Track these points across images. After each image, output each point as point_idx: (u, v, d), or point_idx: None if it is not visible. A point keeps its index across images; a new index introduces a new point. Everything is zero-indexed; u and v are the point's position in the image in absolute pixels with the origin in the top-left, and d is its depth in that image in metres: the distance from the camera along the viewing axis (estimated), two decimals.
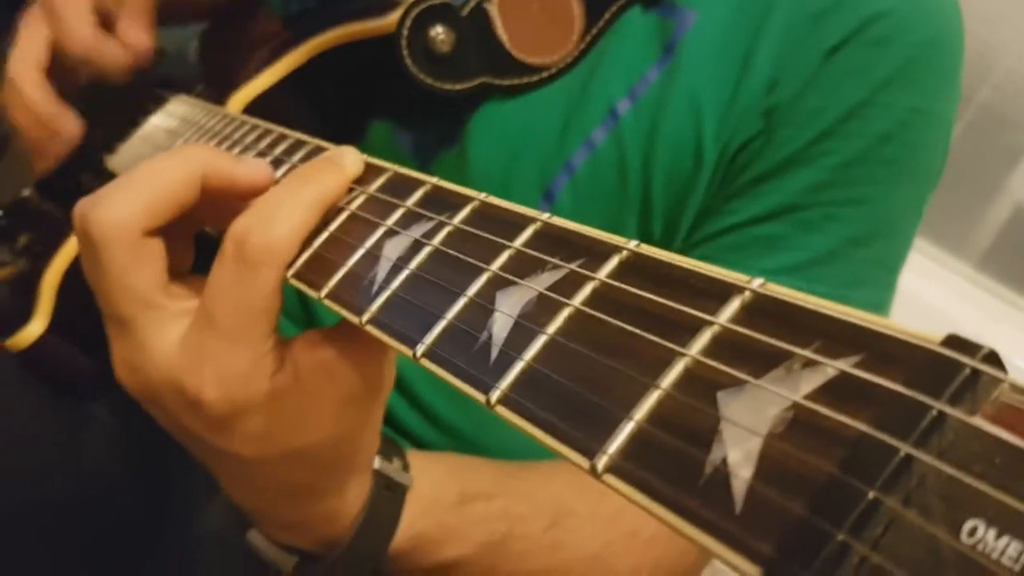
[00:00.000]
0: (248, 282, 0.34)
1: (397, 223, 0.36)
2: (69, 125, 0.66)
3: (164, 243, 0.37)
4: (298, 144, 0.46)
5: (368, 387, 0.38)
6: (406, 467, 0.47)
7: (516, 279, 0.29)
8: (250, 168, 0.39)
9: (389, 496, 0.45)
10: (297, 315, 0.62)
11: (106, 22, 0.66)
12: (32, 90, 0.64)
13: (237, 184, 0.39)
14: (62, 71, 0.65)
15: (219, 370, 0.35)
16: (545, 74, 0.56)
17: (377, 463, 0.45)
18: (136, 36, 0.63)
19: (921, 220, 0.58)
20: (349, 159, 0.39)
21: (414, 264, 0.33)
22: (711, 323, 0.24)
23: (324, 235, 0.38)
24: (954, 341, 0.20)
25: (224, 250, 0.35)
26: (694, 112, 0.54)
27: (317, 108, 0.64)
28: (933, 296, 1.21)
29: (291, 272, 0.38)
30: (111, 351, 0.39)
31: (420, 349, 0.30)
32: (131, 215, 0.36)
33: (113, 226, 0.36)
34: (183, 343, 0.36)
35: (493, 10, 0.56)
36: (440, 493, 0.49)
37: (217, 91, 0.65)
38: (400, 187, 0.38)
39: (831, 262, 0.53)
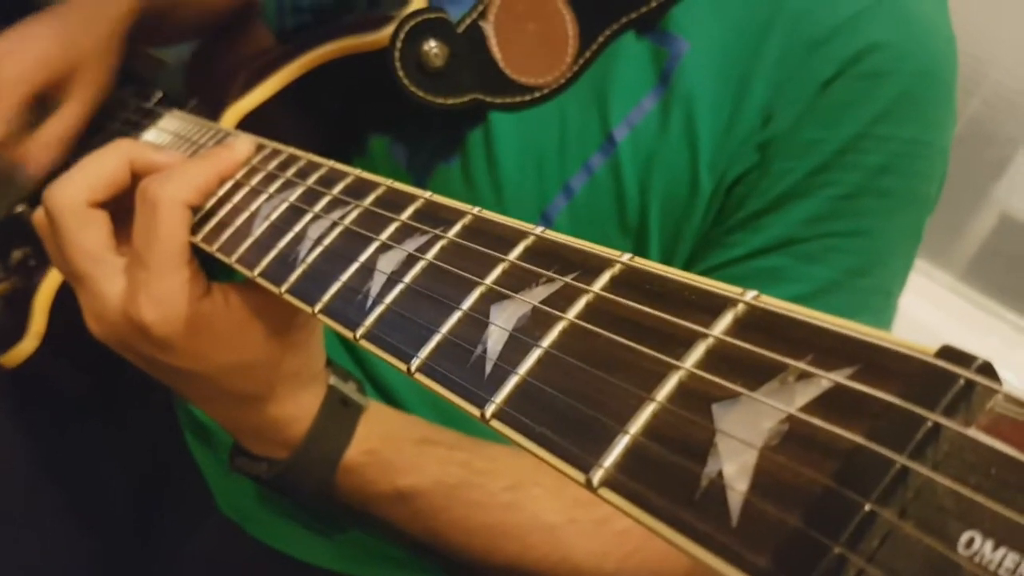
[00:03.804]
0: (153, 220, 0.44)
1: (391, 237, 0.36)
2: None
3: (109, 215, 0.48)
4: (292, 159, 0.46)
5: (295, 321, 0.47)
6: (361, 391, 0.54)
7: (510, 293, 0.29)
8: (166, 154, 0.50)
9: (343, 409, 0.52)
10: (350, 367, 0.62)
11: (42, 105, 0.67)
12: None
13: (157, 166, 0.49)
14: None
15: (151, 295, 0.44)
16: (538, 94, 0.56)
17: (332, 380, 0.52)
18: (38, 157, 0.68)
19: (920, 242, 0.58)
20: (240, 143, 0.49)
21: (408, 278, 0.33)
22: (705, 336, 0.24)
23: (318, 249, 0.38)
24: (948, 352, 0.20)
25: (136, 203, 0.45)
26: (690, 142, 0.54)
27: (313, 122, 0.64)
28: (918, 307, 1.21)
29: (285, 287, 0.38)
30: (86, 315, 0.47)
31: (415, 364, 0.30)
32: (76, 190, 0.47)
33: (63, 198, 0.47)
34: (126, 284, 0.45)
35: (488, 28, 0.56)
36: (403, 429, 0.55)
37: (211, 106, 0.65)
38: (394, 202, 0.38)
39: (832, 293, 0.53)
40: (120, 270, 0.46)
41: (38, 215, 0.49)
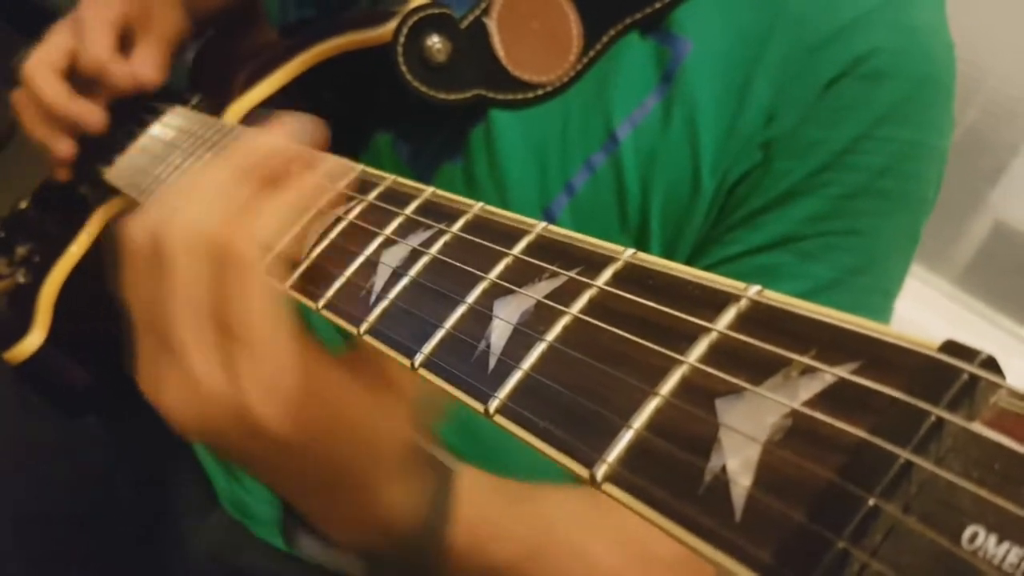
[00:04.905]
0: (243, 282, 0.33)
1: (395, 232, 0.36)
2: (88, 113, 0.68)
3: None
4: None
5: (393, 382, 0.39)
6: (449, 454, 0.46)
7: (514, 287, 0.29)
8: (291, 143, 0.39)
9: (445, 484, 0.44)
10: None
11: (127, 42, 0.70)
12: (44, 85, 0.67)
13: (290, 167, 0.38)
14: (83, 80, 0.69)
15: (261, 382, 0.33)
16: (540, 92, 0.57)
17: (428, 447, 0.44)
18: (143, 68, 0.70)
19: (917, 244, 0.59)
20: (326, 164, 0.40)
21: (412, 273, 0.33)
22: (709, 330, 0.24)
23: (322, 245, 0.38)
24: (952, 347, 0.20)
25: (205, 257, 0.34)
26: (692, 141, 0.54)
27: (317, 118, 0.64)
28: (913, 312, 1.22)
29: (288, 283, 0.38)
30: (164, 393, 0.36)
31: (419, 359, 0.30)
32: (208, 223, 0.35)
33: (193, 233, 0.34)
34: (221, 361, 0.34)
35: (492, 25, 0.57)
36: (494, 495, 0.48)
37: (215, 102, 0.65)
38: (397, 197, 0.38)
39: (831, 290, 0.54)
40: (213, 343, 0.34)
41: (139, 240, 0.36)
